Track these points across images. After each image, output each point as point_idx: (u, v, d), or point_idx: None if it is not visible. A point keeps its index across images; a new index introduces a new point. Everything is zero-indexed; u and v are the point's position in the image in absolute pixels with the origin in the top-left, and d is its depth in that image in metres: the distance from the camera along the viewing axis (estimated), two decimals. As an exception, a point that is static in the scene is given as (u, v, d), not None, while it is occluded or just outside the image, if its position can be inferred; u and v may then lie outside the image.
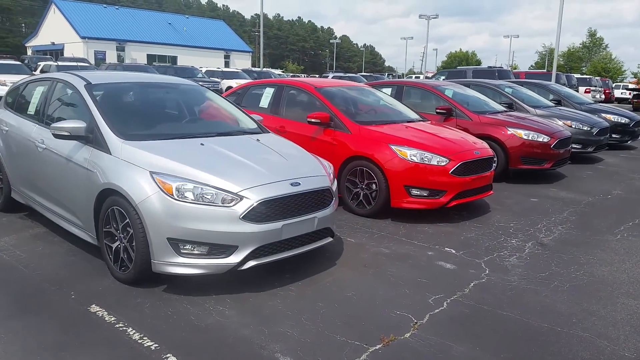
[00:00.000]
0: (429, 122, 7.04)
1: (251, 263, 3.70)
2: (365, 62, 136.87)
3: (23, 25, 72.69)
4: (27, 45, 56.70)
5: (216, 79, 26.67)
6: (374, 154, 5.78)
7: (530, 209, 6.57)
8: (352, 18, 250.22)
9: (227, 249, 3.62)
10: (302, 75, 47.08)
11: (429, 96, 8.96)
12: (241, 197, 3.63)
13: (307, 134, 6.39)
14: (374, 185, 5.78)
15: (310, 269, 4.31)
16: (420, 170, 5.61)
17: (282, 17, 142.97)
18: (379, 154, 5.75)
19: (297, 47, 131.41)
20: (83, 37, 48.56)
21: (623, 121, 11.90)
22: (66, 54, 48.01)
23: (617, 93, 39.52)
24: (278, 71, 44.04)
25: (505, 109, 9.18)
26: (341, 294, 3.87)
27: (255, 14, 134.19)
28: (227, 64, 58.46)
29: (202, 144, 4.24)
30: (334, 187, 4.44)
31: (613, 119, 11.82)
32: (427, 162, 5.63)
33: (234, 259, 3.63)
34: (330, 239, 4.35)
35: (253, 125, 5.21)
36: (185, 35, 57.94)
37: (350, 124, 6.13)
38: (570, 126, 9.84)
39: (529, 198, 7.19)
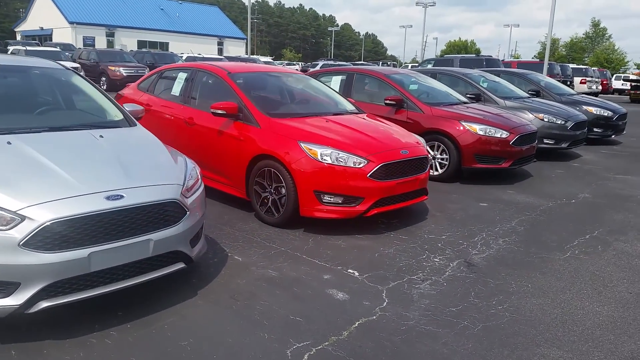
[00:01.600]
0: (365, 114, 6.12)
1: (42, 304, 2.82)
2: (367, 50, 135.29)
3: (21, 10, 71.51)
4: (16, 30, 55.65)
5: (196, 66, 25.62)
6: (280, 153, 4.87)
7: (473, 217, 5.66)
8: (357, 6, 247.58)
9: (5, 287, 2.73)
10: (299, 64, 45.84)
11: (380, 85, 8.01)
12: (23, 217, 2.74)
13: (215, 128, 5.48)
14: (283, 190, 4.88)
15: (156, 303, 3.42)
16: (333, 173, 4.70)
17: (284, 4, 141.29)
18: (286, 152, 4.84)
19: (298, 35, 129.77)
20: (71, 22, 47.51)
21: (606, 114, 10.93)
22: (55, 39, 47.07)
23: (618, 84, 38.34)
24: (267, 58, 42.87)
25: (467, 101, 8.23)
26: (172, 344, 2.98)
27: (256, 1, 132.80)
28: (220, 51, 57.34)
29: (8, 142, 3.35)
30: (192, 198, 3.54)
31: (595, 112, 10.85)
32: (342, 164, 4.72)
33: (14, 300, 2.74)
34: (181, 266, 3.44)
35: (118, 117, 4.33)
36: (177, 21, 56.78)
37: (260, 117, 5.21)
38: (542, 119, 8.89)
39: (478, 202, 6.27)
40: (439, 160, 7.21)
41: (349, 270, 4.09)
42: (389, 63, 47.77)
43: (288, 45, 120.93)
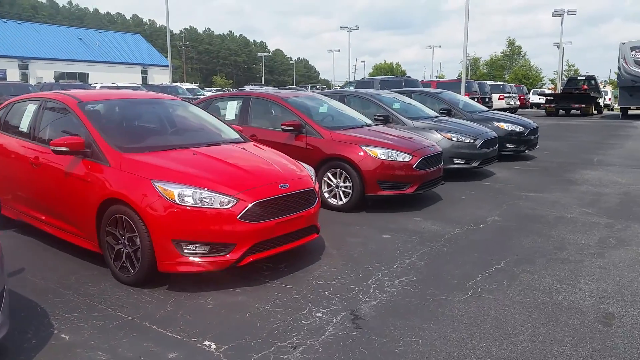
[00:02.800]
0: (249, 143, 5.40)
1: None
2: (299, 75, 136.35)
3: None
4: None
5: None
6: (130, 195, 4.04)
7: (372, 253, 5.04)
8: (287, 33, 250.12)
9: None
10: (230, 89, 44.89)
11: (279, 110, 7.37)
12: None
13: (61, 168, 4.57)
14: (138, 240, 4.04)
15: None
16: (196, 217, 3.93)
17: (213, 31, 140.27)
18: (136, 194, 4.02)
19: (230, 61, 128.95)
20: (-22, 54, 44.31)
21: (517, 129, 10.86)
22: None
23: (535, 99, 40.20)
24: (190, 85, 41.62)
25: (371, 123, 7.73)
26: None
27: (184, 29, 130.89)
28: (144, 80, 55.45)
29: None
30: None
31: (506, 128, 10.75)
32: (206, 205, 3.96)
33: None
34: None
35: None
36: (98, 50, 54.48)
37: (110, 152, 4.35)
38: (451, 139, 8.56)
39: (381, 234, 5.68)
40: (342, 188, 6.60)
41: (205, 343, 3.29)
42: (318, 87, 47.86)
43: (220, 72, 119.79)
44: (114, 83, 28.59)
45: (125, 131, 4.97)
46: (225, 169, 4.40)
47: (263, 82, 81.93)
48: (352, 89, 19.76)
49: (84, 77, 50.18)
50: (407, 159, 6.48)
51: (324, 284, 4.25)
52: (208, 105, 7.95)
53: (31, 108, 5.30)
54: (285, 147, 6.87)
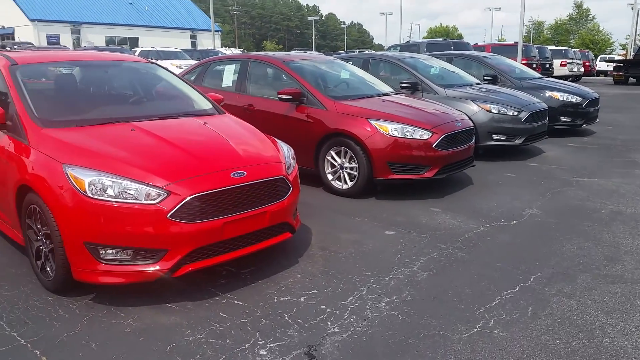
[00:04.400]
0: (222, 116, 4.42)
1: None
2: (352, 40, 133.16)
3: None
4: (-23, 29, 53.16)
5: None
6: (37, 183, 3.19)
7: (365, 256, 4.01)
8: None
9: None
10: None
11: (279, 76, 6.31)
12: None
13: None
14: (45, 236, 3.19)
15: None
16: (112, 214, 3.02)
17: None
18: (45, 182, 3.17)
19: (282, 26, 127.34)
20: (32, 20, 45.17)
21: (574, 100, 9.29)
22: (17, 37, 44.83)
23: (603, 66, 36.78)
24: (229, 50, 40.76)
25: (390, 92, 6.55)
26: None
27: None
28: (193, 45, 55.26)
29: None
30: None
31: (561, 98, 9.21)
32: (128, 200, 3.05)
33: None
34: None
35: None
36: (147, 14, 54.51)
37: (30, 126, 3.50)
38: (490, 111, 7.23)
39: (384, 230, 4.62)
40: (348, 170, 5.54)
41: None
42: (356, 51, 45.80)
43: (271, 37, 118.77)
44: (153, 47, 28.11)
45: (54, 101, 4.09)
46: (163, 151, 3.44)
47: (313, 48, 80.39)
48: (394, 52, 18.31)
49: (134, 41, 50.42)
50: (425, 137, 5.32)
51: (288, 302, 3.29)
52: (205, 69, 7.00)
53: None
54: (286, 120, 5.89)
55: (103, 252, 3.07)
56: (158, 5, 57.48)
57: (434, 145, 5.32)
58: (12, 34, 47.07)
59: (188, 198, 3.10)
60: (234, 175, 3.33)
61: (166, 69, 4.96)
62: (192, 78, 7.03)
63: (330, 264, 3.88)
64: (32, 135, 3.46)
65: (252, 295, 3.37)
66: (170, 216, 3.05)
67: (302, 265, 3.85)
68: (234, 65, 6.64)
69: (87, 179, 3.05)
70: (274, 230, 3.62)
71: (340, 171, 5.59)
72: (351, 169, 5.50)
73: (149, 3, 56.62)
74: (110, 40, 48.87)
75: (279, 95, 5.74)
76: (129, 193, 3.05)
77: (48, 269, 3.34)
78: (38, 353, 2.72)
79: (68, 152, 3.27)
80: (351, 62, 7.84)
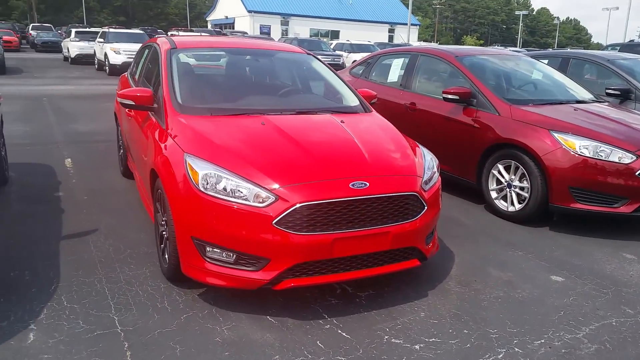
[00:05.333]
0: (369, 115, 3.95)
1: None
2: (566, 37, 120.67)
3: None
4: (207, 19, 61.21)
5: (340, 53, 24.43)
6: (163, 170, 3.12)
7: (517, 305, 3.17)
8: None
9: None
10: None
11: (449, 72, 5.56)
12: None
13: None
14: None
15: None
16: (221, 212, 2.79)
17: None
18: (169, 169, 3.08)
19: (487, 20, 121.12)
20: (250, 11, 50.26)
21: None
22: (236, 27, 50.50)
23: None
24: (425, 44, 39.68)
25: (587, 99, 5.30)
26: None
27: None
28: (390, 38, 55.66)
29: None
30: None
31: None
32: (237, 199, 2.79)
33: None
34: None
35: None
36: (350, 8, 56.49)
37: (171, 111, 3.50)
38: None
39: (549, 273, 3.65)
40: (517, 190, 4.61)
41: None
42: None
43: (474, 32, 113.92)
44: (347, 40, 28.79)
45: (198, 87, 4.03)
46: (284, 149, 3.10)
47: (519, 44, 74.72)
48: (606, 52, 15.65)
49: (335, 34, 52.74)
50: (626, 160, 4.12)
51: (398, 347, 2.70)
52: (374, 62, 6.58)
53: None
54: (448, 122, 5.18)
55: (209, 249, 2.88)
56: (361, -1, 59.14)
57: (637, 173, 4.10)
58: (233, 23, 53.11)
59: (297, 206, 2.71)
60: (353, 185, 2.84)
61: (322, 61, 4.64)
62: (360, 72, 6.70)
63: (466, 306, 3.16)
64: (170, 121, 3.44)
65: (360, 327, 2.87)
66: (275, 223, 2.70)
67: (431, 301, 3.20)
68: (403, 59, 6.09)
69: (202, 172, 2.86)
70: (397, 254, 3.04)
71: (507, 190, 4.68)
72: (521, 188, 4.56)
73: (354, -4, 58.57)
74: (314, 33, 51.90)
75: (444, 95, 5.04)
76: (240, 192, 2.79)
77: (166, 255, 3.29)
78: (126, 346, 2.63)
79: (193, 141, 3.14)
80: (546, 62, 6.67)
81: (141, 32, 22.11)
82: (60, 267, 3.43)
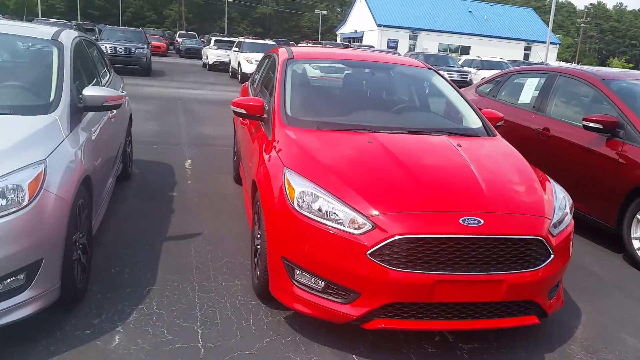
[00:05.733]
0: (492, 140, 3.54)
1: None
2: None
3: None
4: (337, 32, 62.67)
5: (468, 69, 23.42)
6: (264, 182, 3.02)
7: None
8: None
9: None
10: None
11: (592, 97, 4.86)
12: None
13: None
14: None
15: None
16: (313, 234, 2.58)
17: (626, 6, 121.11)
18: (269, 181, 2.97)
19: (639, 42, 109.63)
20: (379, 25, 50.47)
21: None
22: (364, 41, 51.03)
23: None
24: (564, 64, 36.46)
25: None
26: None
27: (590, 4, 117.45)
28: (526, 57, 52.45)
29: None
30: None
31: None
32: (331, 223, 2.56)
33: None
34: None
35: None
36: (484, 24, 54.31)
37: (279, 122, 3.40)
38: None
39: None
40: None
41: None
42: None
43: (622, 54, 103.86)
44: (478, 57, 27.55)
45: (308, 99, 3.89)
46: (388, 171, 2.82)
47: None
48: None
49: (466, 50, 51.01)
50: None
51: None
52: (505, 80, 6.02)
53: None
54: (587, 154, 4.53)
55: (298, 272, 2.69)
56: (498, 14, 56.60)
57: None
58: (361, 37, 53.74)
59: (396, 237, 2.42)
60: (464, 221, 2.47)
61: (444, 77, 4.28)
62: (487, 90, 6.18)
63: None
64: (276, 132, 3.33)
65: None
66: (369, 254, 2.43)
67: (548, 367, 2.70)
68: (538, 78, 5.48)
69: (298, 189, 2.69)
70: (511, 308, 2.60)
71: (657, 244, 3.93)
72: (676, 242, 3.79)
73: (489, 12, 56.27)
74: (443, 48, 50.67)
75: (585, 122, 4.40)
76: (335, 214, 2.56)
77: (257, 271, 3.17)
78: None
79: (294, 155, 3.00)
80: None
81: (273, 43, 23.11)
82: (158, 268, 3.48)
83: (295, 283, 2.70)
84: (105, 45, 17.43)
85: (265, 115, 3.63)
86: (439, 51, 47.48)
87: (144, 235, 4.01)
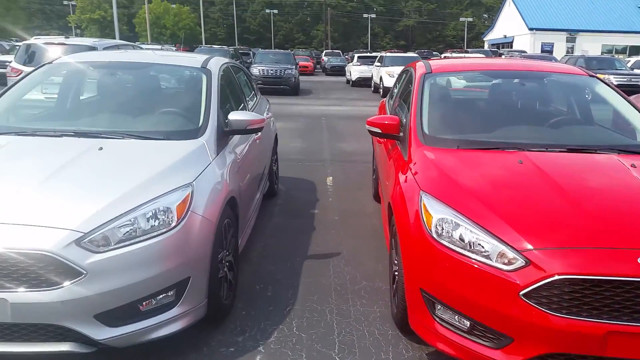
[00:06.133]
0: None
1: None
2: None
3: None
4: (485, 39, 59.89)
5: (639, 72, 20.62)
6: (397, 205, 2.87)
7: None
8: None
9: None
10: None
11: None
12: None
13: None
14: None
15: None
16: (455, 267, 2.35)
17: None
18: (403, 204, 2.81)
19: None
20: (531, 29, 47.10)
21: None
22: (515, 46, 48.01)
23: None
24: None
25: None
26: None
27: None
28: None
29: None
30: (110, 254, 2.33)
31: None
32: (476, 256, 2.32)
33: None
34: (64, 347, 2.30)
35: None
36: (660, 18, 47.65)
37: (415, 141, 3.23)
38: None
39: None
40: None
41: None
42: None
43: None
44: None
45: (450, 115, 3.63)
46: (543, 197, 2.48)
47: None
48: None
49: (636, 50, 45.17)
50: None
51: None
52: None
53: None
54: None
55: (439, 308, 2.48)
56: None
57: None
58: (511, 42, 50.65)
59: (556, 277, 2.09)
60: (641, 264, 2.05)
61: (609, 84, 3.72)
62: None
63: None
64: (413, 152, 3.17)
65: None
66: (523, 295, 2.14)
67: None
68: None
69: (436, 216, 2.49)
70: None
71: None
72: None
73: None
74: (607, 50, 45.57)
75: None
76: (480, 246, 2.32)
77: (396, 299, 3.02)
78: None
79: (432, 177, 2.80)
80: None
81: (416, 55, 22.83)
82: (299, 288, 3.51)
83: (437, 319, 2.49)
84: (258, 68, 18.78)
85: (401, 134, 3.48)
86: (602, 53, 42.79)
87: (287, 253, 4.10)
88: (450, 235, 2.41)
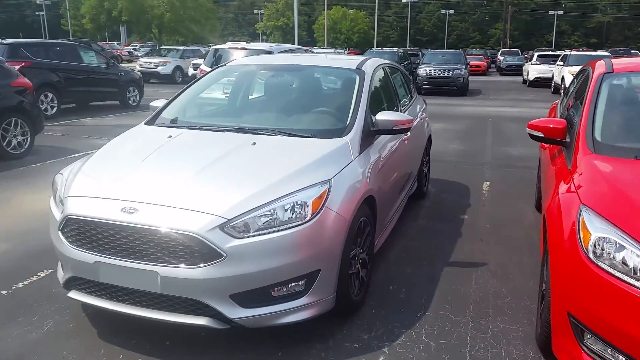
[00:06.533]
0: None
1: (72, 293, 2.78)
2: None
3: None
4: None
5: None
6: (551, 219, 2.56)
7: None
8: None
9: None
10: None
11: None
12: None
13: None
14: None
15: None
16: (609, 293, 2.04)
17: None
18: (555, 219, 2.50)
19: None
20: None
21: None
22: None
23: None
24: None
25: None
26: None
27: None
28: None
29: None
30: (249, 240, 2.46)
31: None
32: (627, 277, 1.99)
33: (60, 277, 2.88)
34: (202, 322, 2.50)
35: None
36: None
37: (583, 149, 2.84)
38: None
39: None
40: None
41: None
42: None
43: None
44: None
45: (630, 121, 3.07)
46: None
47: None
48: None
49: None
50: None
51: None
52: None
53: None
54: None
55: (588, 337, 2.16)
56: None
57: None
58: None
59: None
60: None
61: None
62: None
63: None
64: (578, 160, 2.80)
65: None
66: None
67: None
68: None
69: (595, 234, 2.16)
70: None
71: None
72: None
73: None
74: None
75: None
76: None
77: (542, 319, 2.71)
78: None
79: (598, 190, 2.44)
80: None
81: (607, 54, 20.28)
82: (434, 294, 3.36)
83: (584, 349, 2.17)
84: (425, 68, 18.48)
85: (568, 140, 3.10)
86: None
87: (427, 257, 3.96)
88: (611, 257, 2.08)
